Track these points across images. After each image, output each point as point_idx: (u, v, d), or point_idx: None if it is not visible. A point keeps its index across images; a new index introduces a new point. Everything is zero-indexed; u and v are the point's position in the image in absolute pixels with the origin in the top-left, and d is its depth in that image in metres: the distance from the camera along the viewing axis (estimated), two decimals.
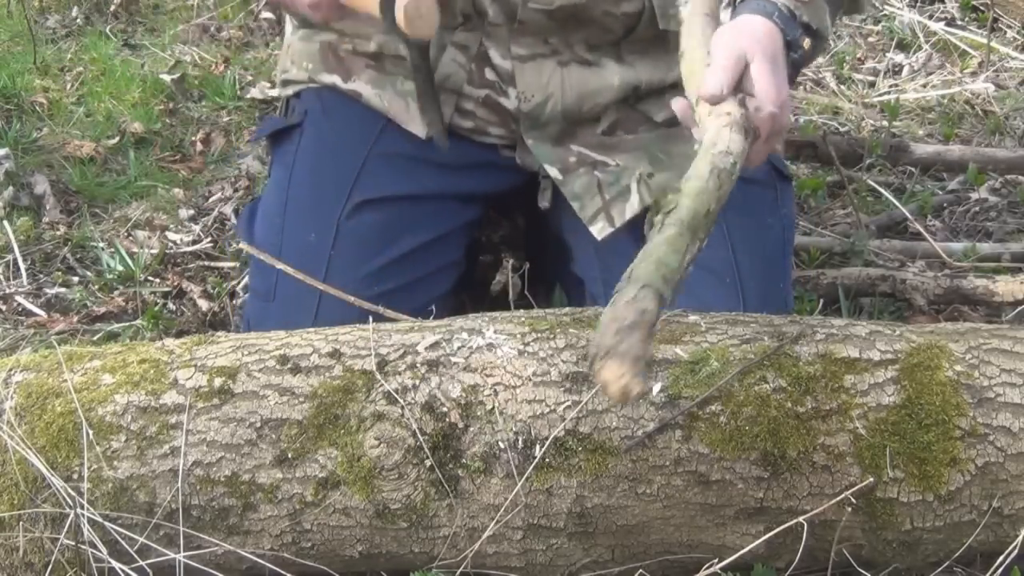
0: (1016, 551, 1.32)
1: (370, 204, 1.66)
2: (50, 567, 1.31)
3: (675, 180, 1.67)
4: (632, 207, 1.67)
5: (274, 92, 2.76)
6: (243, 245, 1.62)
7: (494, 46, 1.66)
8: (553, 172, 1.70)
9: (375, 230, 1.65)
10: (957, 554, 1.37)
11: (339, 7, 1.49)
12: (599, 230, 1.68)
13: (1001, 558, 1.31)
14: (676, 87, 1.69)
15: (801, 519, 1.28)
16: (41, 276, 2.24)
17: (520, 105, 1.67)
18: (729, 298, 1.57)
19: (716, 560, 1.30)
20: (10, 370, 1.38)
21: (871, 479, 1.31)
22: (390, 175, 1.68)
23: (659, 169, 1.69)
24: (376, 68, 1.73)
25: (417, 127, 1.70)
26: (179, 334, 2.03)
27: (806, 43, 1.41)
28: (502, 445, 1.29)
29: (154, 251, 2.27)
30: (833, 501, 1.30)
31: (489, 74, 1.68)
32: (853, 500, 1.30)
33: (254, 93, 2.90)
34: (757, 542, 1.31)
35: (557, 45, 1.65)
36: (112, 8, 3.36)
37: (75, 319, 2.09)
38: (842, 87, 3.01)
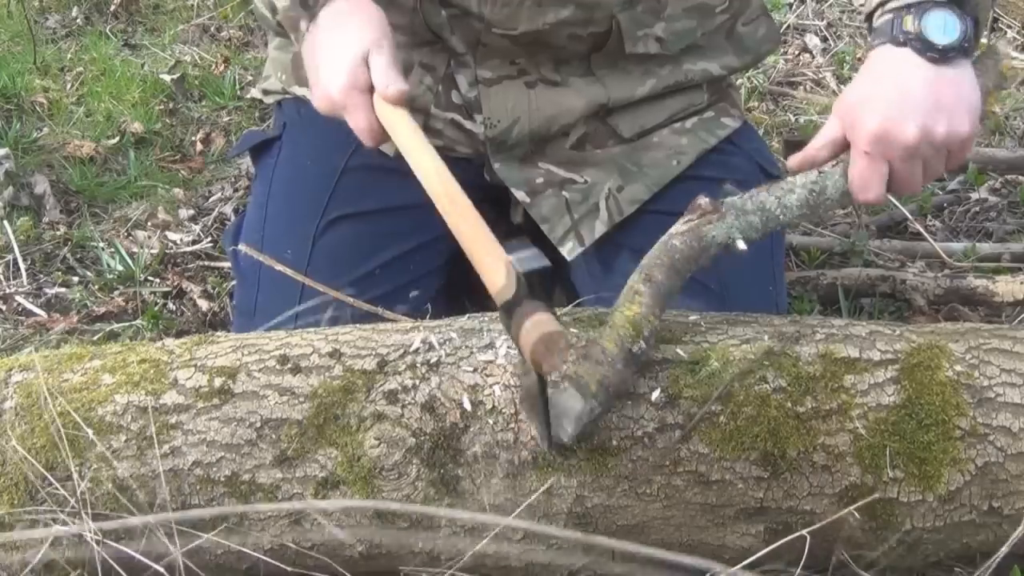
0: (1012, 548, 1.32)
1: (345, 219, 1.66)
2: (50, 567, 1.31)
3: (645, 191, 1.68)
4: (601, 224, 1.67)
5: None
6: (244, 247, 1.62)
7: (461, 72, 1.65)
8: (520, 195, 1.68)
9: (350, 244, 1.65)
10: (957, 554, 1.37)
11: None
12: (569, 250, 1.67)
13: (993, 558, 1.31)
14: (646, 102, 1.69)
15: (804, 532, 1.27)
16: (41, 276, 2.24)
17: (486, 131, 1.66)
18: (712, 305, 1.56)
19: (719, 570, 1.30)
20: (10, 370, 1.38)
21: (876, 495, 1.31)
22: (365, 189, 1.67)
23: (628, 181, 1.68)
24: None
25: (386, 145, 1.70)
26: (179, 334, 2.03)
27: (907, 22, 1.37)
28: (502, 445, 1.30)
29: (154, 251, 2.28)
30: (837, 516, 1.30)
31: (455, 97, 1.67)
32: (856, 515, 1.30)
33: (254, 93, 2.89)
34: (759, 554, 1.30)
35: (524, 65, 1.64)
36: (112, 8, 3.36)
37: (75, 319, 2.09)
38: (842, 87, 3.01)
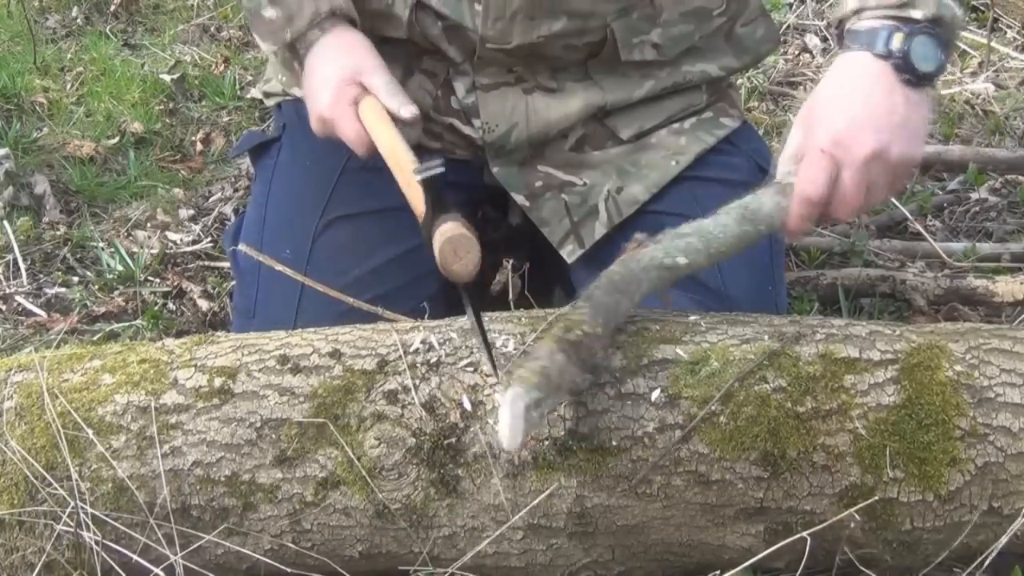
0: (1013, 549, 1.32)
1: (345, 219, 1.66)
2: (50, 567, 1.31)
3: (644, 192, 1.68)
4: (601, 227, 1.67)
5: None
6: (244, 247, 1.62)
7: (458, 79, 1.66)
8: (520, 199, 1.69)
9: (349, 244, 1.65)
10: (957, 554, 1.37)
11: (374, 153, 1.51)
12: (569, 253, 1.67)
13: (986, 554, 1.31)
14: (643, 104, 1.69)
15: (805, 534, 1.27)
16: (41, 276, 2.24)
17: (484, 136, 1.66)
18: (712, 304, 1.56)
19: (719, 573, 1.30)
20: (10, 370, 1.38)
21: (876, 496, 1.31)
22: (364, 189, 1.68)
23: (627, 182, 1.68)
24: None
25: None
26: (179, 334, 2.03)
27: (897, 40, 1.38)
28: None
29: (154, 251, 2.28)
30: (838, 517, 1.30)
31: (454, 103, 1.67)
32: (857, 517, 1.30)
33: (254, 93, 2.91)
34: (760, 556, 1.31)
35: (521, 73, 1.65)
36: (112, 8, 3.37)
37: (75, 319, 2.09)
38: None
